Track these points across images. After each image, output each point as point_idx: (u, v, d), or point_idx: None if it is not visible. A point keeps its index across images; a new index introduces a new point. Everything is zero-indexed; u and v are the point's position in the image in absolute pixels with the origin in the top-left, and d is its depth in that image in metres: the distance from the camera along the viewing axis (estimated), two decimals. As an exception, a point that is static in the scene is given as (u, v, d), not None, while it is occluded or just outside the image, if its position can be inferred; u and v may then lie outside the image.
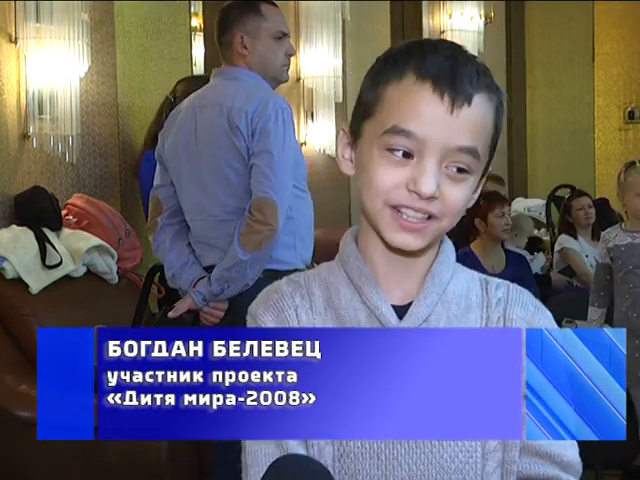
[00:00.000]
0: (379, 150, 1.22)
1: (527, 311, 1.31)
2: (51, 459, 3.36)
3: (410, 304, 1.28)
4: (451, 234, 1.33)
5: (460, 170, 1.22)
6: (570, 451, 1.31)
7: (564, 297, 4.81)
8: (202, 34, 5.66)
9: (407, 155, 1.21)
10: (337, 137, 1.35)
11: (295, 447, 1.26)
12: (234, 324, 2.94)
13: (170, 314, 3.03)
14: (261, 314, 1.32)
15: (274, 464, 1.21)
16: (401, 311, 1.28)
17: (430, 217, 1.23)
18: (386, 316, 1.27)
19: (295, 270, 2.99)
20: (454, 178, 1.22)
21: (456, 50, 1.24)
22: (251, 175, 2.90)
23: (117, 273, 4.07)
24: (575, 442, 1.31)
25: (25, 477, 3.42)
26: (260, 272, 2.93)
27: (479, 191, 1.31)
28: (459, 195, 1.23)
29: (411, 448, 1.26)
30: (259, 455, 1.28)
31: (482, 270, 4.06)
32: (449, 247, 1.33)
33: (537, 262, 5.69)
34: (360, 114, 1.27)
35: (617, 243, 3.99)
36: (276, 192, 2.86)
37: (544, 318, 1.32)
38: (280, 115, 2.90)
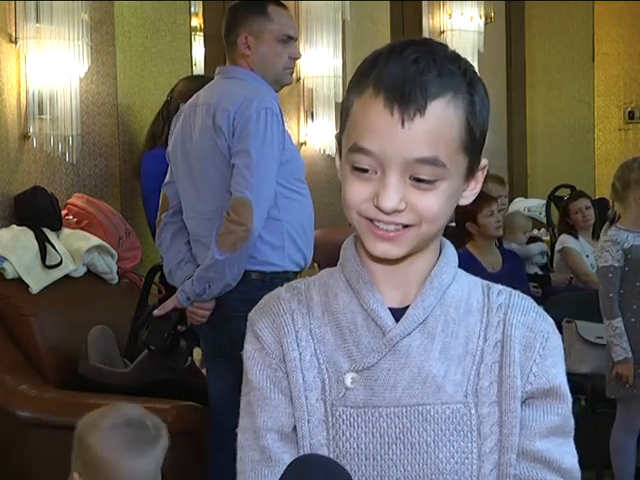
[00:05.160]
0: (349, 166, 1.22)
1: (528, 317, 1.30)
2: (51, 459, 3.36)
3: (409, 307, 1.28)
4: (447, 236, 1.32)
5: (422, 181, 1.20)
6: (568, 458, 1.31)
7: (564, 297, 4.80)
8: (202, 34, 5.66)
9: (372, 170, 1.20)
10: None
11: (280, 453, 1.27)
12: (221, 324, 2.95)
13: (155, 312, 3.04)
14: (257, 320, 1.32)
15: (293, 463, 1.21)
16: (399, 314, 1.27)
17: (406, 225, 1.22)
18: (383, 319, 1.26)
19: (284, 272, 2.97)
20: (420, 188, 1.20)
21: (423, 53, 1.19)
22: (232, 175, 2.89)
23: (117, 273, 4.07)
24: (574, 450, 1.32)
25: (25, 477, 3.42)
26: (241, 273, 2.90)
27: (478, 187, 1.28)
28: (431, 202, 1.21)
29: (407, 449, 1.26)
30: (246, 462, 1.30)
31: (482, 269, 4.04)
32: (451, 252, 1.32)
33: (536, 247, 5.56)
34: (340, 127, 1.27)
35: (634, 243, 3.82)
36: (252, 192, 2.84)
37: (545, 324, 1.31)
38: (263, 115, 2.87)
